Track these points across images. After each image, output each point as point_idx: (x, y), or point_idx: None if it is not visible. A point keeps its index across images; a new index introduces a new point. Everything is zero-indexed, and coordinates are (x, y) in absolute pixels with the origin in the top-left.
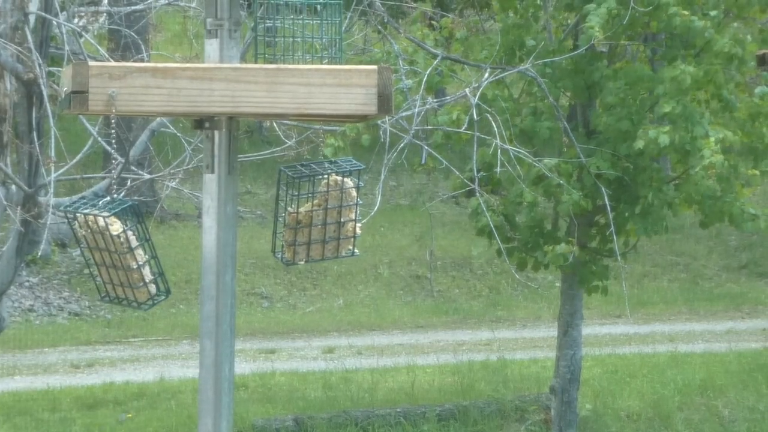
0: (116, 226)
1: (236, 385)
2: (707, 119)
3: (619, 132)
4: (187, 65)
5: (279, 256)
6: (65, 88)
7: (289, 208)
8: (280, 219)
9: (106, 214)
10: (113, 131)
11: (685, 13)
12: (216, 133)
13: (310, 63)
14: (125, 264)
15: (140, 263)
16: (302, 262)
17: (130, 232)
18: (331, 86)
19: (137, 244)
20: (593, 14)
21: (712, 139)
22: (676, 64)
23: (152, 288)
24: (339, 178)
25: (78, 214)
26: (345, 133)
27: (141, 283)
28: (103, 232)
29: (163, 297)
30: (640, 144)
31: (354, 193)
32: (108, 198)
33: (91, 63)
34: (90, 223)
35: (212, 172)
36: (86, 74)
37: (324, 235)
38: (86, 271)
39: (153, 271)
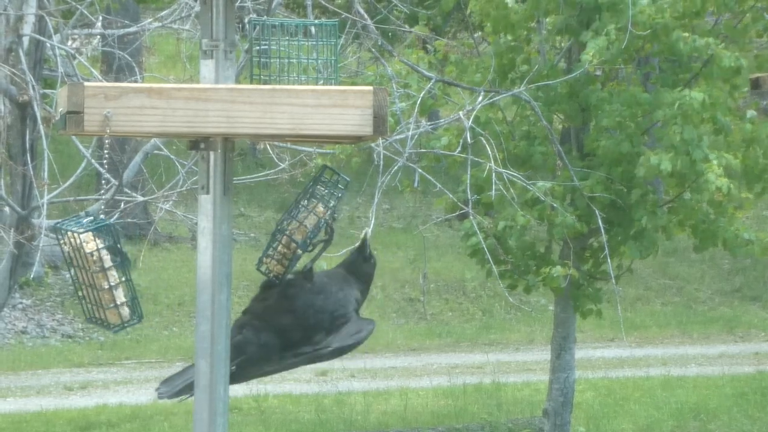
0: (91, 245)
1: (230, 407)
2: (705, 143)
3: (617, 155)
4: (183, 86)
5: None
6: (60, 109)
7: None
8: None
9: (82, 230)
10: (107, 152)
11: (686, 35)
12: (211, 154)
13: (305, 84)
14: (98, 283)
15: (112, 284)
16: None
17: (104, 251)
18: (327, 107)
19: (111, 264)
20: (591, 43)
21: (715, 162)
22: (680, 89)
23: (124, 311)
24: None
25: (66, 232)
26: (335, 155)
27: (111, 305)
28: (79, 249)
29: (135, 321)
30: (641, 171)
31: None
32: (92, 216)
33: (87, 83)
34: (72, 240)
35: (207, 192)
36: (81, 95)
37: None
38: (79, 293)
39: (126, 294)
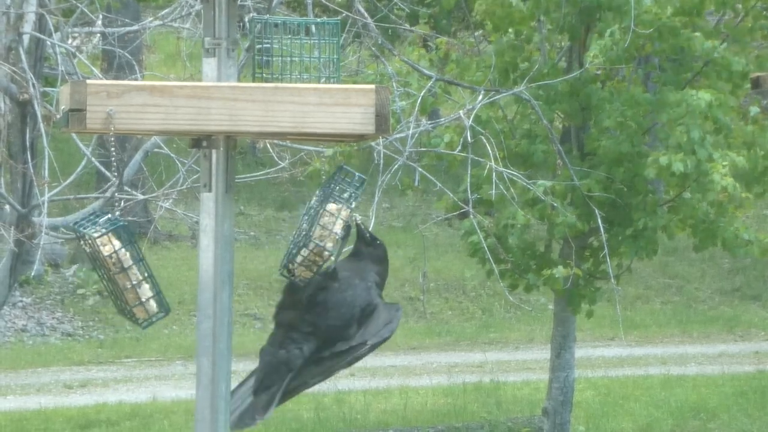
0: (108, 248)
1: None
2: (709, 142)
3: (618, 154)
4: (185, 84)
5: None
6: (63, 107)
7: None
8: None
9: (96, 234)
10: (113, 149)
11: (697, 34)
12: (213, 152)
13: (307, 83)
14: (121, 284)
15: (134, 283)
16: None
17: (122, 252)
18: (329, 105)
19: (131, 263)
20: (595, 44)
21: (721, 162)
22: (686, 91)
23: (151, 306)
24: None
25: (83, 235)
26: (333, 157)
27: (137, 302)
28: (99, 251)
29: (162, 314)
30: (651, 173)
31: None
32: (109, 215)
33: (89, 81)
34: (90, 241)
35: (209, 190)
36: (84, 92)
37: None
38: (79, 291)
39: (152, 289)
